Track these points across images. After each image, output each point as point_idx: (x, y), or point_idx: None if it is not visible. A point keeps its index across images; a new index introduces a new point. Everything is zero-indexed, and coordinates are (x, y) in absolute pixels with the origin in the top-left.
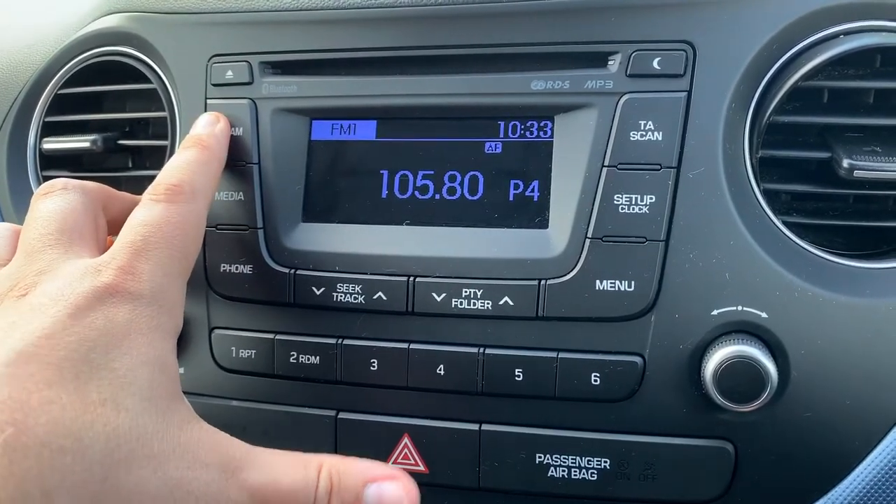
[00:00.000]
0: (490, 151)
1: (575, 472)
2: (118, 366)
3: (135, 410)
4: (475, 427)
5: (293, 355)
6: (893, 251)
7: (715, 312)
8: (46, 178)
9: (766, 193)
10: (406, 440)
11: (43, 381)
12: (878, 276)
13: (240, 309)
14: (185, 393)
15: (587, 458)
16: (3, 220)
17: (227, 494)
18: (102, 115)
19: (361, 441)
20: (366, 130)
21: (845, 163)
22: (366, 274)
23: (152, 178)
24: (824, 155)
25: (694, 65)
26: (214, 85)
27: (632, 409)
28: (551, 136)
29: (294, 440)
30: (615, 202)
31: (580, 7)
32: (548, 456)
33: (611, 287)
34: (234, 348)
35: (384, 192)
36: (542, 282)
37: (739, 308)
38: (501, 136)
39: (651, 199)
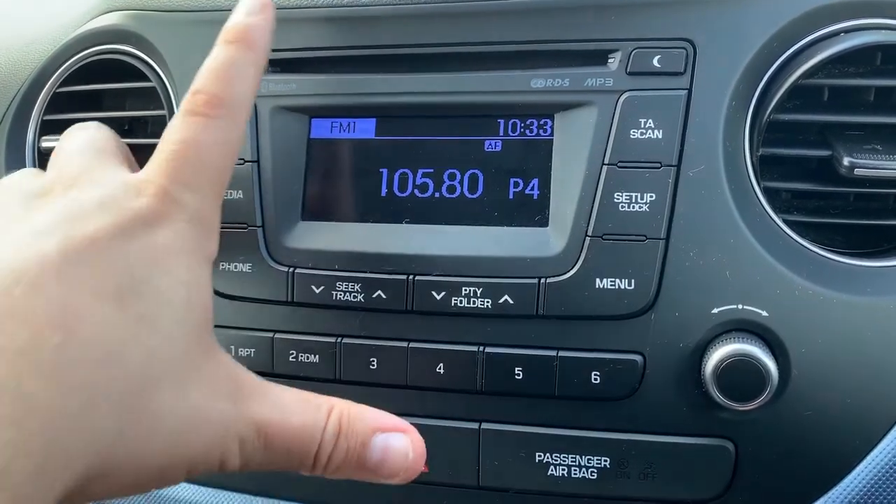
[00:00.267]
0: (490, 149)
1: (575, 470)
2: (157, 284)
3: (168, 332)
4: (475, 426)
5: (292, 354)
6: (894, 249)
7: (715, 311)
8: None
9: (766, 191)
10: None
11: (89, 288)
12: (878, 274)
13: (238, 307)
14: None
15: (587, 457)
16: None
17: (237, 425)
18: (101, 114)
19: None
20: (365, 128)
21: (846, 161)
22: (365, 272)
23: None
24: (825, 153)
25: (694, 62)
26: None
27: (632, 408)
28: (551, 135)
29: None
30: (615, 200)
31: (580, 5)
32: (548, 454)
33: (611, 285)
34: (232, 347)
35: (384, 191)
36: (542, 280)
37: (740, 306)
38: (501, 134)
39: (651, 197)
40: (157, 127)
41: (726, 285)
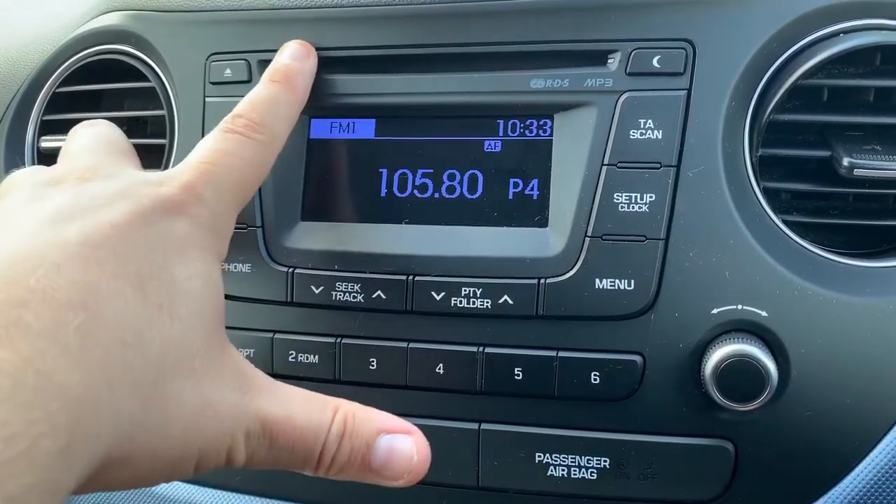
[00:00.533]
0: (489, 150)
1: (574, 471)
2: (176, 272)
3: (186, 321)
4: (475, 426)
5: (292, 354)
6: (894, 250)
7: (715, 311)
8: None
9: (765, 192)
10: None
11: (110, 270)
12: (878, 274)
13: (238, 308)
14: None
15: (587, 458)
16: None
17: (245, 417)
18: (100, 114)
19: None
20: (365, 129)
21: (845, 161)
22: (365, 272)
23: None
24: (824, 153)
25: (694, 63)
26: (213, 83)
27: (631, 408)
28: (551, 135)
29: None
30: (615, 201)
31: (580, 5)
32: (547, 455)
33: (610, 286)
34: None
35: (383, 191)
36: (542, 280)
37: (739, 307)
38: (501, 134)
39: (651, 197)
40: (155, 127)
41: (726, 286)
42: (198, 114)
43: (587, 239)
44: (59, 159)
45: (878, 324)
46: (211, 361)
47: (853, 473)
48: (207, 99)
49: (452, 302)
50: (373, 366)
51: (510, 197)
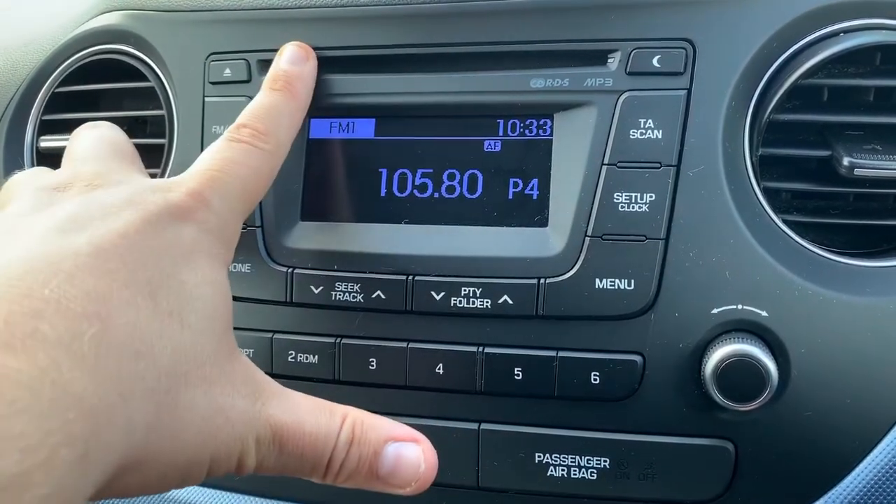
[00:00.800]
0: (489, 150)
1: (574, 471)
2: (185, 279)
3: (196, 328)
4: (474, 426)
5: (291, 354)
6: (894, 249)
7: (715, 311)
8: None
9: (766, 192)
10: None
11: (121, 279)
12: (878, 274)
13: (237, 308)
14: None
15: (587, 458)
16: None
17: (255, 424)
18: (100, 114)
19: None
20: (364, 129)
21: (845, 161)
22: (364, 272)
23: (152, 176)
24: (824, 153)
25: (694, 62)
26: (212, 83)
27: (631, 409)
28: (551, 135)
29: None
30: (615, 200)
31: (580, 5)
32: (547, 455)
33: (610, 285)
34: None
35: (383, 191)
36: (542, 280)
37: (739, 307)
38: (501, 134)
39: (651, 197)
40: (155, 127)
41: (726, 285)
42: (197, 114)
43: (587, 239)
44: (63, 162)
45: (878, 324)
46: (221, 368)
47: (853, 473)
48: (207, 99)
49: (452, 302)
50: (372, 366)
51: (510, 197)
